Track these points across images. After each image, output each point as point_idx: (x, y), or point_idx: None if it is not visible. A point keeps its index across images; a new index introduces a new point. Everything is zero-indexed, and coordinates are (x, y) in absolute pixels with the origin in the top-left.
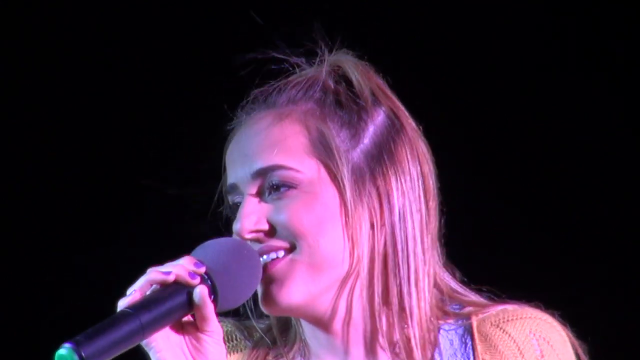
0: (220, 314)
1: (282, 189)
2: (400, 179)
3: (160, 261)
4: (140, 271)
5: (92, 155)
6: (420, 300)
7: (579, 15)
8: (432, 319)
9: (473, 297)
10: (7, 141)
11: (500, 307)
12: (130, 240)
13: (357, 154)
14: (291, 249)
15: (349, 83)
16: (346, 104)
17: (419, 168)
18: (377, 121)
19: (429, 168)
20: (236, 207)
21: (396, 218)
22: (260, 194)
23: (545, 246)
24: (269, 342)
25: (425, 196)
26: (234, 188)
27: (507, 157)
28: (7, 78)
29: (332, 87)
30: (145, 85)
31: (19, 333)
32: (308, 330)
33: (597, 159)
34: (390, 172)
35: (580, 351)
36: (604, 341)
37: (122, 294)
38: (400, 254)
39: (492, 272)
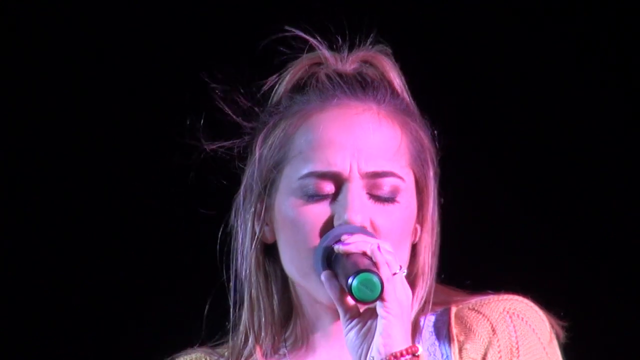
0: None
1: (388, 196)
2: (436, 196)
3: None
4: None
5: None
6: (426, 305)
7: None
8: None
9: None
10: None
11: (480, 297)
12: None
13: (432, 172)
14: None
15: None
16: (422, 120)
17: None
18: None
19: None
20: (315, 192)
21: (435, 237)
22: (365, 191)
23: (547, 246)
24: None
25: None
26: (333, 176)
27: (512, 156)
28: (6, 78)
29: (410, 100)
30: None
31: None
32: (317, 323)
33: (601, 158)
34: (433, 193)
35: (559, 332)
36: (605, 341)
37: None
38: (424, 269)
39: (494, 271)
